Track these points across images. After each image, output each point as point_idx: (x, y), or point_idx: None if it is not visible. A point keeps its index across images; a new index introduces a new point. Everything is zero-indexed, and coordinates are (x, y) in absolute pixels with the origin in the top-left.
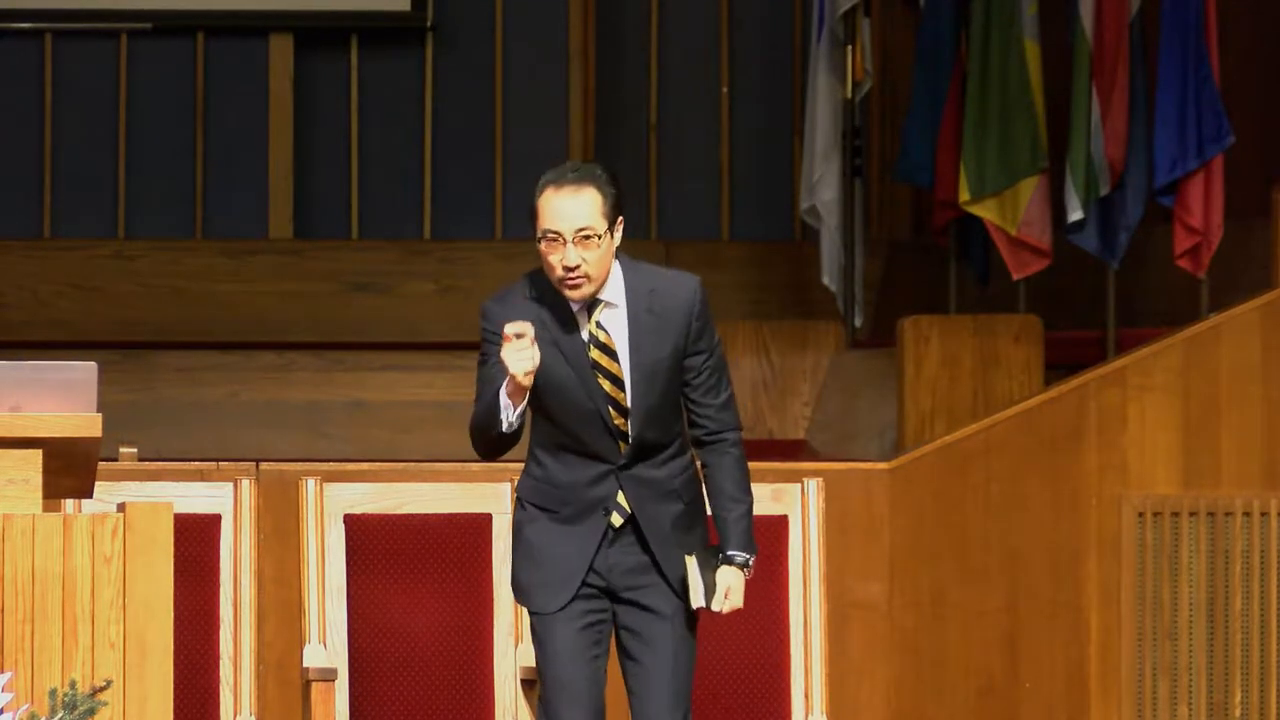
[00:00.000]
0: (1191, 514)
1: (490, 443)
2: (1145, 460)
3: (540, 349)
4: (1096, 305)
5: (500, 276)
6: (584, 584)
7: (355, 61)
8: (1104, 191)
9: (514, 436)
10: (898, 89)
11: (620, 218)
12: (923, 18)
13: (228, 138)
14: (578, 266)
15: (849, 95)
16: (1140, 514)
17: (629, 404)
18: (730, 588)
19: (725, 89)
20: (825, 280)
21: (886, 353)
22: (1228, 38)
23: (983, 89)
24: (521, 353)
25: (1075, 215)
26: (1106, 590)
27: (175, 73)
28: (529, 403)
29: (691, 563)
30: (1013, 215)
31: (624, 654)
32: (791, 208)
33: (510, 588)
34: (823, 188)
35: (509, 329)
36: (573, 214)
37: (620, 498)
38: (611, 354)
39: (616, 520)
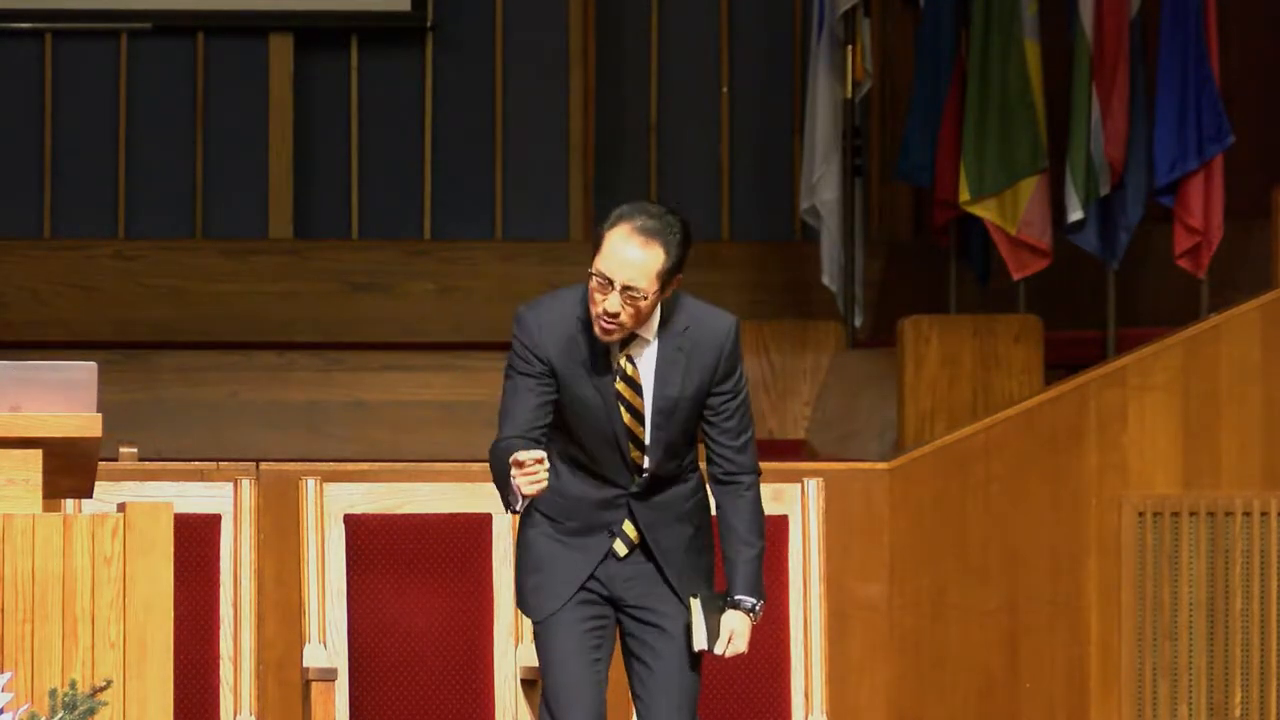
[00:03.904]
0: (1191, 514)
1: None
2: (1145, 460)
3: (567, 368)
4: (1096, 305)
5: (500, 276)
6: (583, 588)
7: (355, 61)
8: (1104, 191)
9: None
10: (898, 89)
11: (679, 276)
12: (923, 18)
13: (228, 138)
14: (616, 315)
15: (849, 95)
16: (1140, 514)
17: (647, 440)
18: (735, 632)
19: (725, 89)
20: (825, 280)
21: (886, 353)
22: (1228, 38)
23: (983, 89)
24: (533, 478)
25: (1075, 215)
26: (1106, 590)
27: (175, 73)
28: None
29: (696, 605)
30: (1013, 215)
31: (630, 660)
32: (791, 208)
33: (514, 593)
34: (823, 188)
35: (520, 455)
36: (628, 268)
37: (627, 525)
38: (636, 388)
39: (621, 549)
